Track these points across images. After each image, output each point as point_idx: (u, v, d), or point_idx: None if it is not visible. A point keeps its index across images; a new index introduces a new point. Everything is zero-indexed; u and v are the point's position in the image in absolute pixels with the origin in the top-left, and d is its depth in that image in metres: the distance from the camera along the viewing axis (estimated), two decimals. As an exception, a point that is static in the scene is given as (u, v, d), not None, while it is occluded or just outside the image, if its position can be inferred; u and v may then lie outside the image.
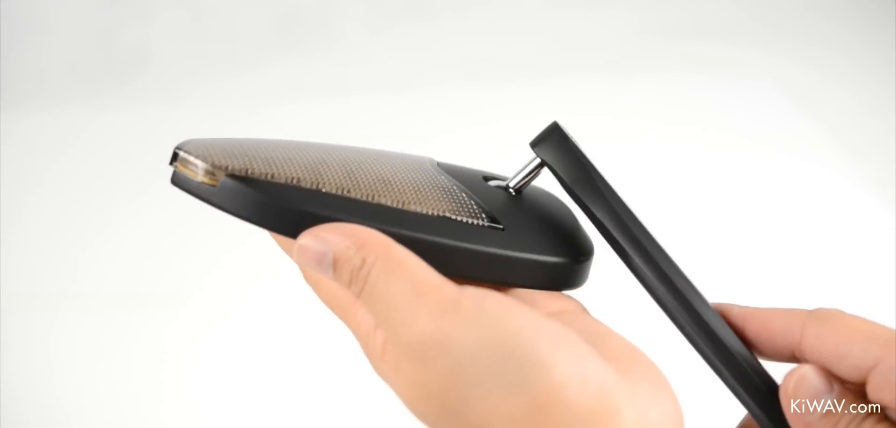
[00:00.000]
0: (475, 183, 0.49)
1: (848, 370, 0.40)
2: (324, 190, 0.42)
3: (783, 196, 1.39)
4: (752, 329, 0.44)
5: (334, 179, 0.43)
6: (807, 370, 0.41)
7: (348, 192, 0.42)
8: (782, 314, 0.44)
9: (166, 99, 1.57)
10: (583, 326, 0.42)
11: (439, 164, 0.49)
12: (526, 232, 0.47)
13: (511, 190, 0.49)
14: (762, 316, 0.44)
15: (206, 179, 0.41)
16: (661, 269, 0.45)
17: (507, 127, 1.13)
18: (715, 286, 1.22)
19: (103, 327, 1.11)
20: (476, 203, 0.46)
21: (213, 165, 0.41)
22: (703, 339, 0.44)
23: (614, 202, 0.46)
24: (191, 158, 0.41)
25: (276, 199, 0.41)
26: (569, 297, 0.47)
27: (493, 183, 0.50)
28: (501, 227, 0.46)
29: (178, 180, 0.42)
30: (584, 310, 0.45)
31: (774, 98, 1.63)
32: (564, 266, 0.47)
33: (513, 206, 0.48)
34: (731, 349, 0.44)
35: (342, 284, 0.40)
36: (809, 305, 0.44)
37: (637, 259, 0.46)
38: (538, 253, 0.46)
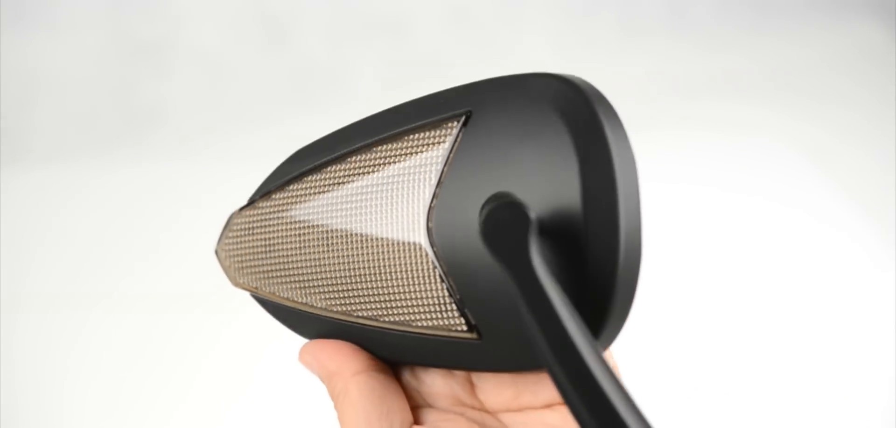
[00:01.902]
0: (467, 245, 0.40)
1: None
2: (313, 310, 0.47)
3: (797, 254, 1.38)
4: None
5: (320, 296, 0.46)
6: None
7: (329, 309, 0.46)
8: None
9: (181, 155, 1.58)
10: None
11: (432, 225, 0.41)
12: (507, 337, 0.39)
13: None
14: None
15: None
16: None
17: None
18: (728, 344, 1.22)
19: (117, 385, 1.11)
20: (454, 301, 0.41)
21: (231, 280, 0.49)
22: None
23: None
24: (223, 261, 0.50)
25: (281, 314, 0.48)
26: (540, 383, 0.44)
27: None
28: (476, 338, 0.40)
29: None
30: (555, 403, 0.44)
31: (787, 156, 1.63)
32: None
33: (499, 284, 0.38)
34: None
35: None
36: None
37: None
38: (515, 366, 0.41)
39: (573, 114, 0.36)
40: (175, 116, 1.68)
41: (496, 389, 0.44)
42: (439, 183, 0.41)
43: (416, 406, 0.45)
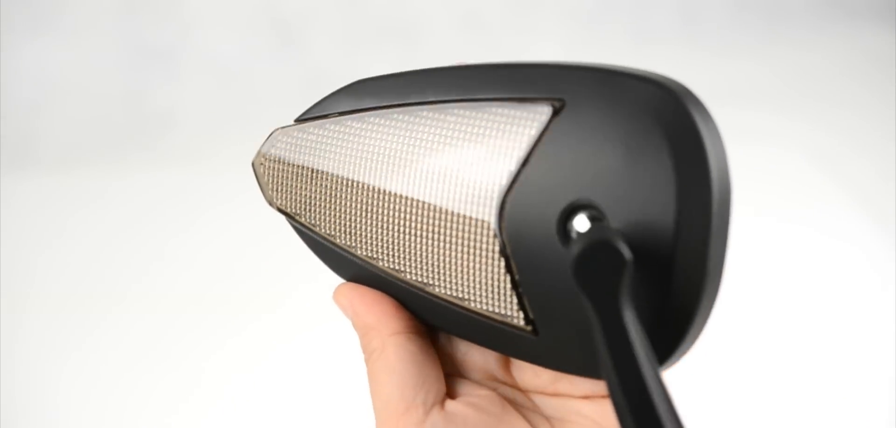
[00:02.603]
0: (539, 240, 0.38)
1: None
2: (356, 254, 0.44)
3: (809, 263, 1.38)
4: None
5: (367, 244, 0.43)
6: None
7: (376, 259, 0.43)
8: None
9: (191, 161, 1.58)
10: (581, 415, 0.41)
11: (504, 209, 0.39)
12: (565, 339, 0.39)
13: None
14: None
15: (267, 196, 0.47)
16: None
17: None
18: (735, 356, 1.21)
19: (126, 390, 1.11)
20: (515, 292, 0.39)
21: (267, 197, 0.47)
22: None
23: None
24: (260, 176, 0.47)
25: (317, 248, 0.46)
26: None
27: (576, 225, 0.37)
28: (531, 332, 0.39)
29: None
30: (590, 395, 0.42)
31: (799, 163, 1.62)
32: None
33: (568, 287, 0.37)
34: None
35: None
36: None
37: None
38: (569, 369, 0.39)
39: (678, 136, 0.35)
40: (185, 122, 1.68)
41: (533, 370, 0.42)
42: (521, 168, 0.38)
43: (447, 373, 0.44)
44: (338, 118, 0.45)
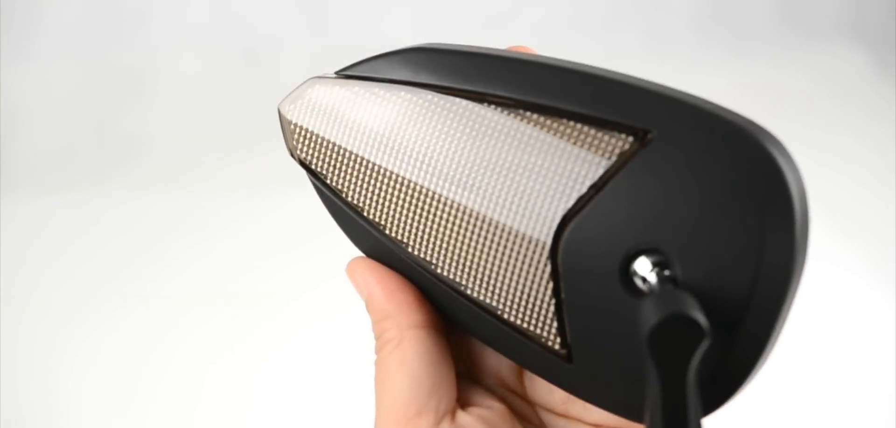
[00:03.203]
0: (596, 275, 0.36)
1: None
2: (384, 232, 0.40)
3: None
4: None
5: (400, 225, 0.40)
6: None
7: (406, 244, 0.40)
8: None
9: (163, 187, 1.57)
10: None
11: (563, 232, 0.36)
12: (601, 373, 0.36)
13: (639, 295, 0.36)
14: None
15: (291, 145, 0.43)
16: None
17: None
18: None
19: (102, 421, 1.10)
20: (558, 316, 0.37)
21: (289, 146, 0.43)
22: None
23: None
24: (287, 123, 0.43)
25: (339, 214, 0.42)
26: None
27: (638, 268, 0.35)
28: (567, 359, 0.37)
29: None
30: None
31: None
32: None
33: (616, 324, 0.36)
34: None
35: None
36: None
37: None
38: (599, 403, 0.37)
39: (767, 193, 0.33)
40: (157, 148, 1.67)
41: (547, 387, 0.40)
42: (591, 195, 0.35)
43: (458, 373, 0.41)
44: (389, 85, 0.41)
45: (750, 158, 0.34)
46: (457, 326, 0.41)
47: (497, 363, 0.42)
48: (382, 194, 0.40)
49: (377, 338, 0.40)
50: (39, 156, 1.61)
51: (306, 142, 0.42)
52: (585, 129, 0.36)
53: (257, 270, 1.27)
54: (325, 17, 1.91)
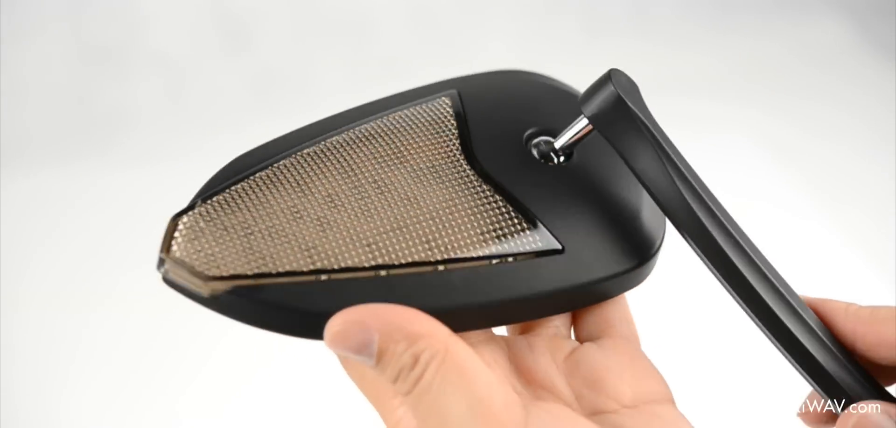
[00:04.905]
0: (516, 163, 0.41)
1: None
2: (325, 278, 0.35)
3: (763, 249, 1.39)
4: (863, 341, 0.40)
5: (340, 252, 0.36)
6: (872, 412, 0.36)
7: (360, 265, 0.36)
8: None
9: (145, 161, 1.56)
10: (664, 424, 0.37)
11: (461, 139, 0.41)
12: (587, 244, 0.39)
13: (558, 158, 0.43)
14: (872, 324, 0.39)
15: (200, 290, 0.35)
16: (747, 258, 0.39)
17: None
18: (694, 340, 1.22)
19: (87, 401, 1.10)
20: (524, 218, 0.39)
21: (199, 278, 0.36)
22: (800, 346, 0.37)
23: (684, 185, 0.39)
24: (177, 273, 0.36)
25: (279, 312, 0.35)
26: (653, 375, 0.39)
27: (535, 145, 0.43)
28: (561, 248, 0.38)
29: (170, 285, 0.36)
30: (670, 399, 0.39)
31: (752, 150, 1.64)
32: (633, 272, 0.41)
33: (566, 193, 0.40)
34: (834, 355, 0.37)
35: (384, 379, 0.34)
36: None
37: (720, 253, 0.38)
38: (604, 270, 0.39)
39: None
40: (139, 123, 1.66)
41: (606, 393, 0.38)
42: (460, 126, 0.43)
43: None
44: (253, 174, 0.40)
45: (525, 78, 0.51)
46: (459, 321, 0.37)
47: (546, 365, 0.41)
48: (313, 235, 0.37)
49: (412, 368, 0.33)
50: (22, 130, 1.60)
51: (210, 260, 0.36)
52: (419, 104, 0.45)
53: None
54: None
